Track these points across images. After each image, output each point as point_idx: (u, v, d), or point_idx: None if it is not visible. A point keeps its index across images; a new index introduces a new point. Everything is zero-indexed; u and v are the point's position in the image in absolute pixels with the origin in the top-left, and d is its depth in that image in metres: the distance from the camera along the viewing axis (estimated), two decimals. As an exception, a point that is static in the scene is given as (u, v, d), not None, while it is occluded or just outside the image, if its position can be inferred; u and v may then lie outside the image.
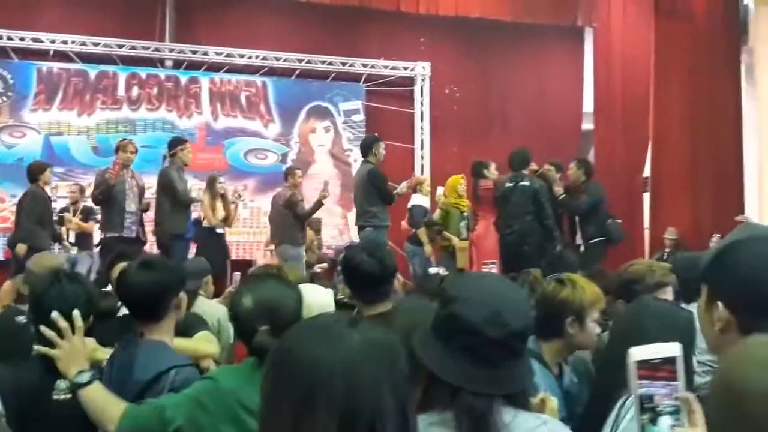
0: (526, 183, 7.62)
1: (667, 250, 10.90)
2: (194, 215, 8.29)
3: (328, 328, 1.16)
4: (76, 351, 2.20)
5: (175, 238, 7.49)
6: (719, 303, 1.46)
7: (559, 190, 8.19)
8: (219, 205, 8.25)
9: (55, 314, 2.21)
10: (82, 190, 9.49)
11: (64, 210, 9.36)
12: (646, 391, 1.28)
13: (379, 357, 1.13)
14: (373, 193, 7.24)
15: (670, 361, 1.28)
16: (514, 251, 7.42)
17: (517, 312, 1.48)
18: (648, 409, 1.27)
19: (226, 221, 8.33)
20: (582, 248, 8.05)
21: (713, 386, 1.13)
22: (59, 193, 10.38)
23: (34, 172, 7.96)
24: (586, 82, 12.58)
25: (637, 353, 1.30)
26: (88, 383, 2.15)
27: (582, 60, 12.69)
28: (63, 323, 2.21)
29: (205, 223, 8.26)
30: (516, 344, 1.47)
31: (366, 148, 7.49)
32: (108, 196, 7.29)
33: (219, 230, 8.28)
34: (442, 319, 1.51)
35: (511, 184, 7.65)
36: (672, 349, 1.30)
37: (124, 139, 7.89)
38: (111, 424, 2.06)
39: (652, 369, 1.28)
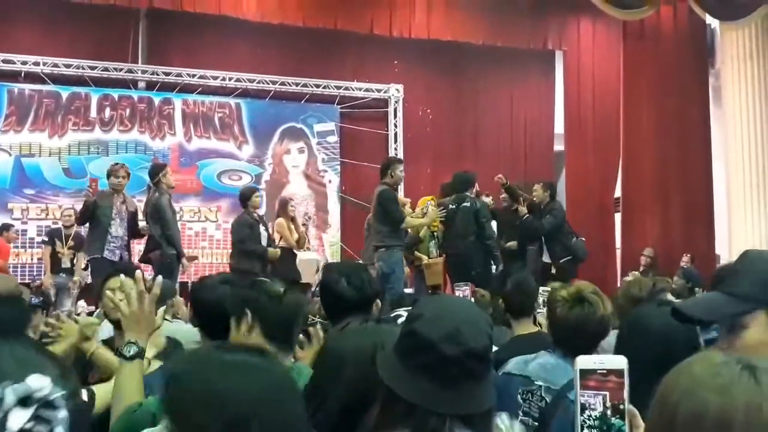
0: (468, 204, 7.65)
1: (641, 268, 11.05)
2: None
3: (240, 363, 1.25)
4: (140, 317, 2.17)
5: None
6: None
7: (522, 210, 8.32)
8: (292, 227, 8.51)
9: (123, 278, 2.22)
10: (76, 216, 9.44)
11: (56, 234, 9.26)
12: (588, 401, 1.28)
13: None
14: (383, 213, 7.28)
15: (617, 373, 1.28)
16: (461, 273, 7.39)
17: (476, 331, 1.47)
18: (591, 419, 1.28)
19: (298, 243, 8.51)
20: (552, 269, 8.17)
21: (654, 400, 1.15)
22: (30, 215, 10.31)
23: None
24: (557, 104, 12.76)
25: (582, 362, 1.30)
26: (130, 358, 2.11)
27: (553, 82, 12.86)
28: (138, 285, 2.19)
29: (281, 244, 8.36)
30: (475, 365, 1.45)
31: (384, 169, 7.48)
32: (89, 217, 7.28)
33: (295, 251, 8.51)
34: (403, 337, 1.51)
35: (454, 206, 7.68)
36: (618, 361, 1.30)
37: (117, 164, 7.78)
38: (114, 417, 2.04)
39: (599, 379, 1.28)
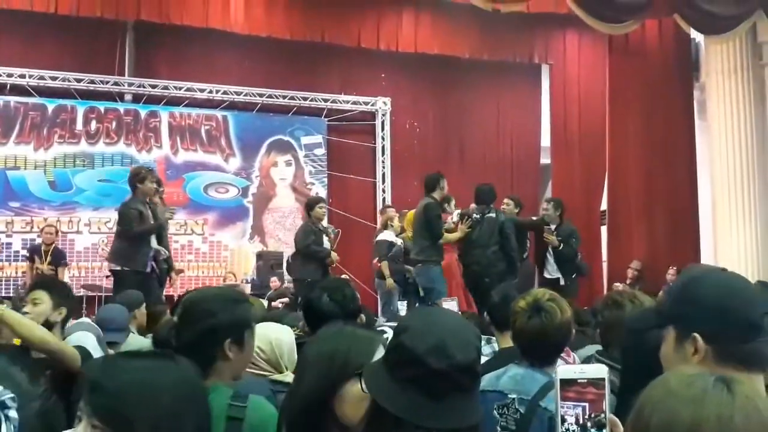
0: (492, 215, 7.73)
1: (628, 281, 11.10)
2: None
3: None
4: None
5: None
6: (696, 336, 1.53)
7: (552, 239, 8.30)
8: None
9: None
10: (57, 232, 9.38)
11: (36, 251, 9.15)
12: (568, 412, 1.28)
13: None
14: (424, 226, 7.35)
15: (597, 382, 1.28)
16: (475, 282, 7.50)
17: (463, 345, 1.46)
18: (572, 429, 1.28)
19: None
20: (561, 282, 8.22)
21: (631, 411, 1.15)
22: (14, 228, 10.24)
23: None
24: (543, 117, 12.83)
25: (563, 372, 1.31)
26: None
27: (539, 96, 12.94)
28: None
29: None
30: (462, 378, 1.44)
31: (431, 183, 7.59)
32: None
33: None
34: (391, 349, 1.51)
35: (478, 216, 7.75)
36: (599, 370, 1.30)
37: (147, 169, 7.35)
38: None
39: (579, 389, 1.28)
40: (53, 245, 9.12)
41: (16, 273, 10.04)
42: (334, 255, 7.90)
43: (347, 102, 11.97)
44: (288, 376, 2.96)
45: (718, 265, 7.23)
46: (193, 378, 1.40)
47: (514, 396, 2.47)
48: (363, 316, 2.95)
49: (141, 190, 6.84)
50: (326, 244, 7.95)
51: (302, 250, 7.83)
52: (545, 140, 12.75)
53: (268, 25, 10.98)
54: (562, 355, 2.75)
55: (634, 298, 2.71)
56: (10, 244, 10.20)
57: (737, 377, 1.10)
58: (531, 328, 2.51)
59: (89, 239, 10.47)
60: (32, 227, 10.25)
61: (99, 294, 9.43)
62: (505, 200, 8.63)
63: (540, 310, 2.51)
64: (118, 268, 6.76)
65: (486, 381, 2.59)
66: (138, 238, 6.75)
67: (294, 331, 3.67)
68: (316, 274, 7.43)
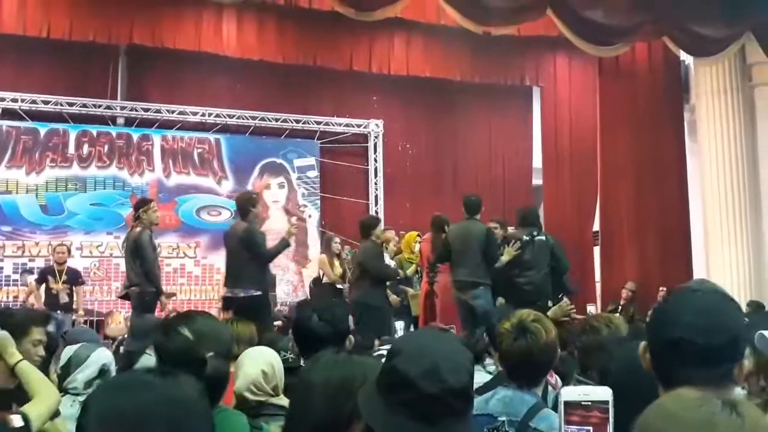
0: (542, 238, 7.85)
1: (622, 301, 11.11)
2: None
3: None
4: None
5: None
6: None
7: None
8: (336, 263, 8.95)
9: None
10: (68, 251, 9.35)
11: (48, 272, 9.05)
12: None
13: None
14: (485, 250, 7.45)
15: (602, 404, 1.28)
16: (526, 303, 7.41)
17: (455, 369, 1.46)
18: None
19: (343, 278, 8.82)
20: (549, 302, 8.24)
21: None
22: (6, 252, 10.19)
23: None
24: (534, 139, 12.90)
25: (567, 394, 1.30)
26: None
27: (530, 118, 13.02)
28: None
29: (325, 280, 8.93)
30: (455, 402, 1.44)
31: (478, 206, 7.76)
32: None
33: (339, 286, 8.78)
34: (384, 373, 1.51)
35: (527, 238, 7.80)
36: (603, 393, 1.30)
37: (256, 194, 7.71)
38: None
39: (584, 412, 1.28)
40: (66, 264, 9.08)
41: (8, 297, 9.97)
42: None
43: (340, 124, 12.01)
44: (282, 400, 2.94)
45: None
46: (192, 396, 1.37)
47: (504, 418, 2.47)
48: (352, 338, 2.94)
49: (254, 214, 7.01)
50: (390, 263, 8.15)
51: (381, 274, 7.64)
52: (537, 161, 12.82)
53: (260, 49, 11.05)
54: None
55: (610, 323, 2.75)
56: (1, 268, 10.14)
57: (742, 400, 1.09)
58: (516, 349, 2.52)
59: (81, 263, 10.41)
60: (23, 251, 10.21)
61: (91, 318, 9.38)
62: (491, 224, 8.67)
63: (525, 331, 2.52)
64: (258, 293, 6.75)
65: (475, 404, 2.59)
66: (267, 261, 6.99)
67: (286, 354, 3.66)
68: (382, 300, 7.43)
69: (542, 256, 7.71)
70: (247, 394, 2.94)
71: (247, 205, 6.94)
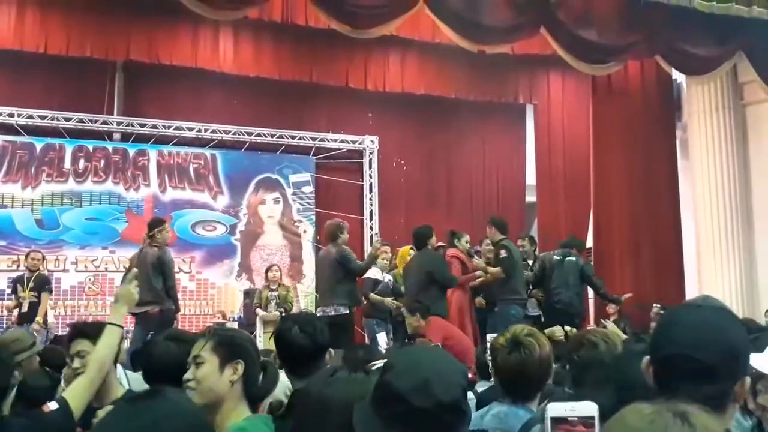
0: (573, 258, 8.42)
1: (611, 318, 11.09)
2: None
3: None
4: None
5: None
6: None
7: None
8: None
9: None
10: (43, 259, 9.15)
11: (18, 281, 8.83)
12: None
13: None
14: (516, 266, 7.99)
15: (587, 421, 1.30)
16: (561, 321, 7.38)
17: (447, 383, 1.48)
18: None
19: None
20: (543, 318, 8.32)
21: None
22: (0, 266, 10.17)
23: None
24: (528, 156, 12.97)
25: (553, 410, 1.32)
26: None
27: (524, 135, 13.09)
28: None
29: None
30: (446, 416, 1.45)
31: (505, 224, 8.32)
32: None
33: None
34: (377, 388, 1.53)
35: (558, 257, 8.45)
36: (589, 408, 1.31)
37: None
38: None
39: (569, 427, 1.29)
40: (37, 272, 8.74)
41: (2, 312, 9.94)
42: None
43: (335, 140, 12.06)
44: None
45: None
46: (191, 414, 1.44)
47: None
48: (332, 351, 2.96)
49: (343, 239, 7.82)
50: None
51: (447, 282, 7.83)
52: (530, 179, 12.87)
53: (256, 65, 11.11)
54: None
55: (607, 338, 2.76)
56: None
57: (692, 409, 1.13)
58: (511, 364, 2.53)
59: (75, 278, 10.42)
60: (18, 266, 10.15)
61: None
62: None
63: (519, 345, 2.53)
64: (346, 312, 7.54)
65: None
66: (362, 274, 8.12)
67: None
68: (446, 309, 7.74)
69: (573, 276, 8.28)
70: None
71: (336, 231, 7.86)
